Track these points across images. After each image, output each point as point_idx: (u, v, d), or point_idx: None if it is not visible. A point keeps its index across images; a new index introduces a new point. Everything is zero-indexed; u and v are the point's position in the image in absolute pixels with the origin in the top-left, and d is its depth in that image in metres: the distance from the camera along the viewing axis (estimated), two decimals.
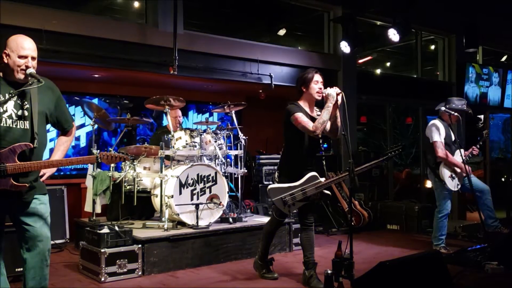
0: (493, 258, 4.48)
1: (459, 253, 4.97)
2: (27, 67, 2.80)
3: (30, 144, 2.79)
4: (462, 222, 6.95)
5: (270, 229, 4.30)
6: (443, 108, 5.34)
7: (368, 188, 7.41)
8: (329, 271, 3.67)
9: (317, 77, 4.00)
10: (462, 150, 5.33)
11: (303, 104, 4.05)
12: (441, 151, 5.24)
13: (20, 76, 2.80)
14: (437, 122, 5.39)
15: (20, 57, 2.79)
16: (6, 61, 2.80)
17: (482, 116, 10.92)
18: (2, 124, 2.76)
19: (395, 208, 7.12)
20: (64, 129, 3.11)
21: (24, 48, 2.80)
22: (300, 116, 3.88)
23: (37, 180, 2.90)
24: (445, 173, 5.29)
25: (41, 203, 2.89)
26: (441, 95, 8.63)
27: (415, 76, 9.52)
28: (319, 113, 4.02)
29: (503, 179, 10.98)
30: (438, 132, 5.30)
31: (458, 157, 5.30)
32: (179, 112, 6.16)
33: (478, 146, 5.47)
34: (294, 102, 4.05)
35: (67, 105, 6.37)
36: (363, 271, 3.35)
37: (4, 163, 2.71)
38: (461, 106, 5.36)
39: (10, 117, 2.79)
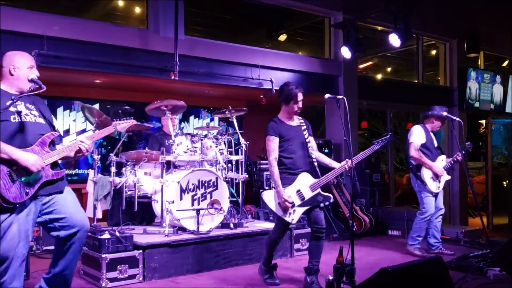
0: (496, 264, 4.47)
1: (461, 259, 4.95)
2: (37, 76, 3.10)
3: (55, 132, 3.09)
4: (464, 228, 6.93)
5: (273, 239, 4.24)
6: (430, 113, 5.57)
7: (369, 194, 7.41)
8: (331, 277, 3.66)
9: (301, 97, 4.10)
10: (444, 156, 5.56)
11: (283, 116, 4.15)
12: (414, 151, 5.41)
13: (29, 85, 3.05)
14: (419, 126, 5.60)
15: (28, 68, 3.09)
16: (14, 73, 3.04)
17: (484, 121, 10.92)
18: (26, 120, 2.96)
19: (396, 214, 7.11)
20: None
21: (30, 61, 3.13)
22: (271, 140, 4.05)
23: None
24: (427, 174, 5.39)
25: (69, 192, 3.19)
26: (442, 100, 8.64)
27: (416, 81, 9.52)
28: (301, 121, 4.19)
29: (504, 184, 10.97)
30: (417, 135, 5.48)
31: (439, 162, 5.47)
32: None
33: (462, 153, 5.47)
34: (275, 119, 4.15)
35: (68, 111, 6.49)
36: (365, 277, 3.32)
37: (40, 156, 2.92)
38: (442, 113, 5.51)
39: (27, 114, 3.01)
